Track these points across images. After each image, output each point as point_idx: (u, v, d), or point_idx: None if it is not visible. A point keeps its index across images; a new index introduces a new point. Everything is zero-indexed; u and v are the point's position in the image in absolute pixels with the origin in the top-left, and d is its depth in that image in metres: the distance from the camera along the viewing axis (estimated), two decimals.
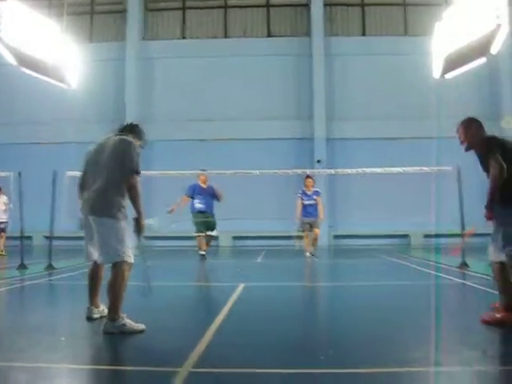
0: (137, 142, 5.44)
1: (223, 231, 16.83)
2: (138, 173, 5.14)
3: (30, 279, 9.61)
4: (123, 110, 22.28)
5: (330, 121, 21.85)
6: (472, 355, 4.08)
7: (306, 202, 13.98)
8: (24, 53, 10.56)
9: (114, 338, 4.83)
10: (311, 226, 14.03)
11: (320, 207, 14.02)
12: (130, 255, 5.10)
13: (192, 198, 13.60)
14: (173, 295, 7.84)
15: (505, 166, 5.08)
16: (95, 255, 5.37)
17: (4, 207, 15.42)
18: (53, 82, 11.86)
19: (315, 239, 14.19)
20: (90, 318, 5.49)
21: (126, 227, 5.14)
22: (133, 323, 5.02)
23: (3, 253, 15.51)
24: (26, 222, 11.91)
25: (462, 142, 5.67)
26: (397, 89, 21.15)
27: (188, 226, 14.30)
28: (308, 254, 13.99)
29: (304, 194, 14.06)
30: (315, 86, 22.00)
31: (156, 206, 20.89)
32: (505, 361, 4.15)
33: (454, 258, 11.61)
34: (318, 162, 20.96)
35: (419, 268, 11.29)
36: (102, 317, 5.46)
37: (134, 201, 5.15)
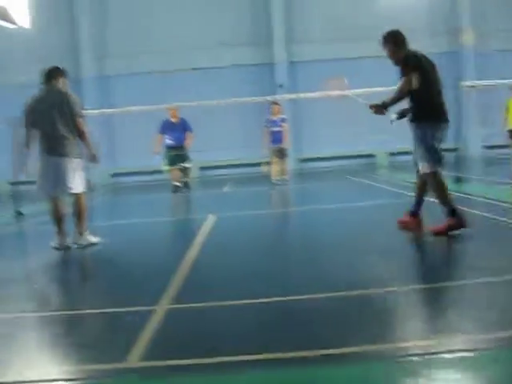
0: (65, 82, 6.65)
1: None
2: (81, 117, 6.48)
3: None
4: (77, 46, 21.61)
5: (290, 43, 21.45)
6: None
7: (274, 129, 13.91)
8: None
9: (88, 281, 4.90)
10: (280, 153, 14.03)
11: (286, 134, 14.00)
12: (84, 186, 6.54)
13: (164, 134, 13.75)
14: (145, 231, 7.89)
15: (414, 83, 5.39)
16: (54, 191, 6.45)
17: None
18: (2, 23, 11.48)
19: (284, 167, 14.20)
20: (61, 247, 6.42)
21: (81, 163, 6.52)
22: (92, 237, 6.56)
23: None
24: None
25: (389, 57, 5.89)
26: (359, 6, 20.72)
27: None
28: (276, 179, 14.05)
29: (270, 121, 13.99)
30: (273, 7, 21.41)
31: (120, 141, 21.00)
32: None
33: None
34: (280, 86, 20.70)
35: (385, 187, 11.48)
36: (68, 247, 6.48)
37: (83, 138, 6.48)
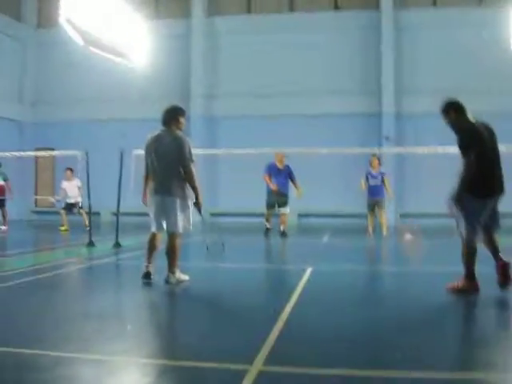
0: (183, 121, 6.99)
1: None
2: (192, 161, 6.74)
3: (97, 258, 9.71)
4: (188, 87, 22.27)
5: (399, 95, 21.10)
6: None
7: (372, 183, 13.65)
8: (91, 33, 10.59)
9: (180, 329, 4.74)
10: (376, 207, 13.76)
11: (387, 186, 13.71)
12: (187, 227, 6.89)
13: (270, 175, 13.93)
14: (242, 277, 7.72)
15: (472, 168, 5.67)
16: (162, 227, 6.81)
17: (77, 190, 15.75)
18: (119, 60, 11.89)
19: (383, 221, 13.89)
20: (146, 274, 6.77)
21: (187, 205, 6.81)
22: (182, 275, 6.88)
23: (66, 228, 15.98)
24: (94, 200, 12.05)
25: (450, 126, 6.17)
26: (469, 62, 20.10)
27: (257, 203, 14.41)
28: (369, 232, 13.82)
29: (370, 174, 13.74)
30: (384, 60, 21.20)
31: (222, 182, 21.26)
32: None
33: None
34: (386, 138, 20.34)
35: None
36: (149, 273, 6.78)
37: (192, 182, 6.73)
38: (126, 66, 12.78)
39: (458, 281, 6.07)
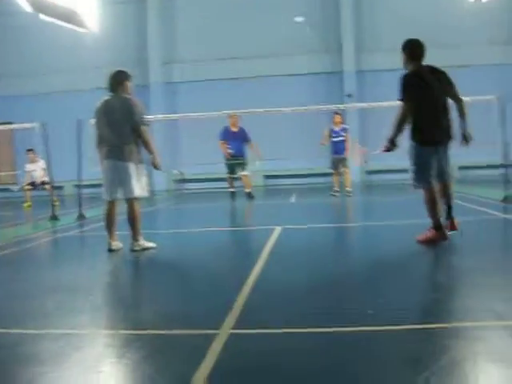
0: (130, 85, 6.79)
1: (255, 171, 16.61)
2: (145, 124, 6.66)
3: (61, 231, 9.51)
4: (145, 53, 21.79)
5: (360, 52, 20.99)
6: None
7: (335, 139, 13.62)
8: None
9: (147, 297, 4.65)
10: (340, 164, 13.72)
11: (347, 144, 13.66)
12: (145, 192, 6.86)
13: (225, 141, 14.13)
14: (208, 241, 7.65)
15: (407, 111, 5.66)
16: (117, 193, 6.69)
17: (43, 172, 15.21)
18: (71, 27, 11.50)
19: (347, 178, 13.87)
20: (110, 250, 6.71)
21: (141, 170, 6.73)
22: (147, 242, 6.76)
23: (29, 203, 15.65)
24: (56, 173, 11.76)
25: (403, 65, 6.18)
26: (430, 14, 20.01)
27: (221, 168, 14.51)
28: (334, 190, 13.81)
29: (332, 130, 13.68)
30: (342, 16, 21.03)
31: (183, 147, 21.00)
32: None
33: (496, 191, 11.17)
34: (349, 96, 20.29)
35: (460, 202, 10.87)
36: (117, 249, 6.76)
37: (147, 144, 6.69)
38: (78, 33, 12.33)
39: (427, 232, 6.04)
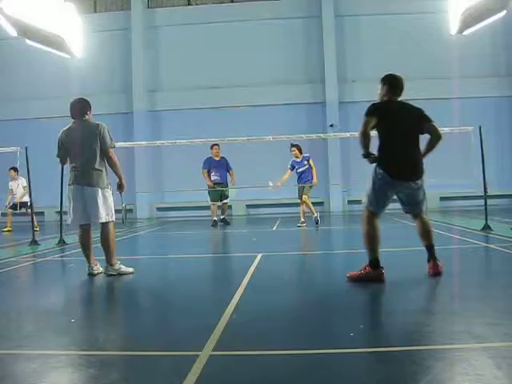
0: (89, 116, 6.91)
1: (236, 200, 16.64)
2: (113, 147, 6.73)
3: (41, 256, 9.42)
4: (130, 80, 21.87)
5: (342, 83, 21.28)
6: None
7: (300, 170, 13.73)
8: (26, 23, 10.20)
9: (127, 320, 4.61)
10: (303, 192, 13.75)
11: (313, 170, 13.80)
12: (113, 216, 6.81)
13: (209, 170, 14.76)
14: (190, 267, 7.65)
15: (366, 132, 5.52)
16: (84, 219, 6.68)
17: (22, 190, 15.37)
18: (57, 52, 11.52)
19: (307, 206, 13.82)
20: (91, 274, 6.76)
21: (108, 195, 6.74)
22: (124, 267, 6.75)
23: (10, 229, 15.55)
24: (38, 198, 11.69)
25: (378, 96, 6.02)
26: (411, 48, 20.40)
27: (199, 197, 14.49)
28: (301, 221, 13.70)
29: (294, 162, 13.81)
30: (325, 49, 21.34)
31: (166, 175, 21.01)
32: None
33: (476, 221, 11.28)
34: (331, 126, 20.52)
35: (440, 232, 10.98)
36: (98, 273, 6.80)
37: (116, 167, 6.73)
38: (65, 60, 12.35)
39: (361, 269, 5.72)
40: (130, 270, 6.82)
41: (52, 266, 8.57)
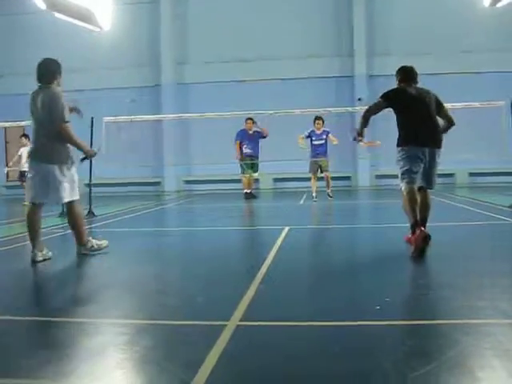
0: (58, 80, 6.15)
1: (264, 174, 16.69)
2: (65, 121, 5.81)
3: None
4: (158, 54, 21.86)
5: (371, 57, 21.01)
6: None
7: (316, 142, 13.68)
8: None
9: (156, 290, 4.69)
10: (320, 167, 13.75)
11: (333, 139, 13.84)
12: (77, 193, 6.03)
13: (241, 142, 14.88)
14: (218, 239, 7.72)
15: (370, 110, 6.12)
16: (43, 197, 5.94)
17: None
18: (85, 25, 11.61)
19: (328, 181, 13.83)
20: (34, 261, 5.76)
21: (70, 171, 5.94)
22: (98, 241, 6.17)
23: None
24: None
25: None
26: (444, 21, 19.99)
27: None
28: (314, 195, 13.63)
29: (313, 132, 13.73)
30: (355, 21, 21.02)
31: (194, 148, 21.09)
32: None
33: (504, 198, 11.16)
34: (359, 99, 20.31)
35: (467, 207, 10.89)
36: (45, 259, 5.87)
37: (71, 143, 5.91)
38: (92, 32, 12.44)
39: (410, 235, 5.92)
40: (104, 243, 6.31)
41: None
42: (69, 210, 6.08)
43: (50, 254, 5.96)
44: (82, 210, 6.20)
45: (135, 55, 21.74)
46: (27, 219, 5.92)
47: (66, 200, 5.93)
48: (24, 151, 15.25)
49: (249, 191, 15.08)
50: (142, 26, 22.02)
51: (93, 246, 6.15)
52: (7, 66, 22.58)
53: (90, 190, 11.61)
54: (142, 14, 22.06)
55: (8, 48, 22.64)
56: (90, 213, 11.00)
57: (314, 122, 13.92)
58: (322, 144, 13.77)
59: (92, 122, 11.35)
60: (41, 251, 5.87)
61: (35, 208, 5.95)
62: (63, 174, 5.84)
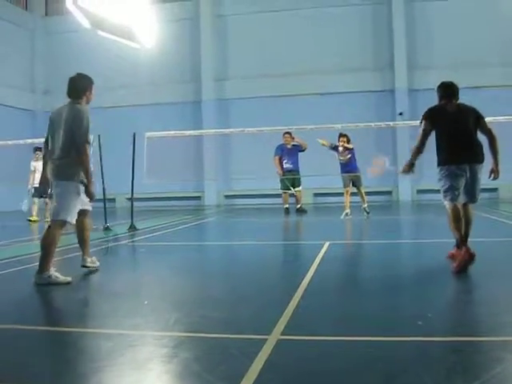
0: (89, 96, 5.90)
1: (304, 188, 16.65)
2: (88, 142, 5.58)
3: (114, 240, 9.71)
4: (199, 69, 22.15)
5: (412, 70, 20.85)
6: None
7: (341, 158, 13.22)
8: (98, 15, 10.52)
9: (198, 302, 4.72)
10: (353, 182, 13.36)
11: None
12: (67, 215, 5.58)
13: (280, 157, 14.70)
14: (259, 253, 7.76)
15: (422, 139, 6.04)
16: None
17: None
18: (127, 43, 11.82)
19: (362, 196, 13.47)
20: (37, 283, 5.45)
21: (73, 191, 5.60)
22: (59, 276, 5.44)
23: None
24: (110, 185, 12.01)
25: None
26: (485, 33, 19.73)
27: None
28: (346, 211, 13.21)
29: (336, 148, 13.29)
30: (395, 35, 20.93)
31: (234, 162, 21.25)
32: None
33: None
34: (400, 114, 20.16)
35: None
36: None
37: (84, 165, 5.55)
38: (135, 50, 12.67)
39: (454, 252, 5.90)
40: (66, 279, 5.55)
41: (126, 251, 8.84)
42: (45, 231, 5.68)
43: (54, 278, 5.46)
44: (55, 236, 5.60)
45: (177, 72, 22.07)
46: (53, 238, 5.59)
47: (52, 218, 5.72)
48: (38, 165, 13.72)
49: (287, 206, 14.68)
50: (183, 43, 22.38)
51: (50, 277, 5.42)
52: (52, 82, 23.15)
53: (132, 204, 11.77)
54: (182, 31, 22.41)
55: (53, 65, 23.28)
56: (132, 227, 11.16)
57: (338, 139, 13.34)
58: (347, 163, 13.25)
59: (134, 137, 11.52)
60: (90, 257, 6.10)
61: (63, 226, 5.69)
62: (71, 191, 5.62)
